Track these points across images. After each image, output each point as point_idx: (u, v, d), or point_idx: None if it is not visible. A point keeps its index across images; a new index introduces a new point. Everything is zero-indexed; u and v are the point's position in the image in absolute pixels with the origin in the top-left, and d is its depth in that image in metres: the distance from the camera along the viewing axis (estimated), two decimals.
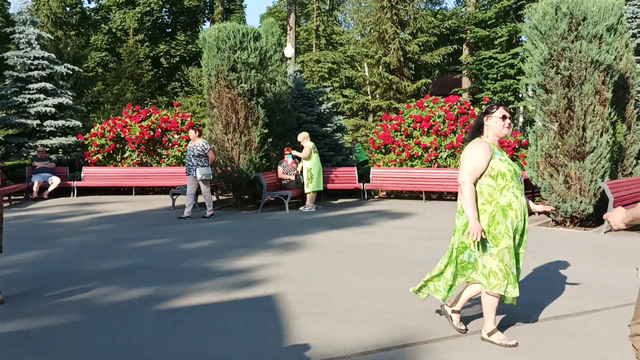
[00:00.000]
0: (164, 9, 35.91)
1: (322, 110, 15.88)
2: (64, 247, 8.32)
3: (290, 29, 29.18)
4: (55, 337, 4.47)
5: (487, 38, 26.18)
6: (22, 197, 14.78)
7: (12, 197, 14.37)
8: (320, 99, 16.42)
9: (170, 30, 36.94)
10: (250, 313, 5.12)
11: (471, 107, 14.89)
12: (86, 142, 16.06)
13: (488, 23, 26.33)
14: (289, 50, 21.44)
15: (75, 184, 15.13)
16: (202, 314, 5.11)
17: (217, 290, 5.86)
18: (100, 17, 35.76)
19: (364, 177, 14.76)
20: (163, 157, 16.11)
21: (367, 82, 28.09)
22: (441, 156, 14.32)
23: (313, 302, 5.44)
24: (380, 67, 26.00)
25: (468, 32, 27.97)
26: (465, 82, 28.87)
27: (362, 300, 5.50)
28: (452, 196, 14.45)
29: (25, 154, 16.03)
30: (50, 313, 5.11)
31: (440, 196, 14.67)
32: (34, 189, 14.35)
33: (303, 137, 12.72)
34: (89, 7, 36.20)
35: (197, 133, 11.33)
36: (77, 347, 4.26)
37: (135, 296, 5.68)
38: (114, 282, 6.23)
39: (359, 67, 31.26)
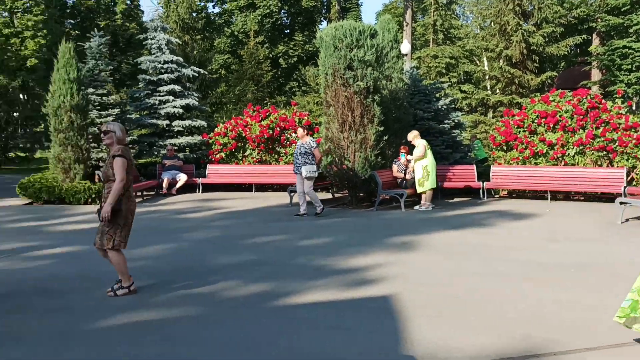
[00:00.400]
0: (282, 11, 36.90)
1: (440, 107, 15.49)
2: (188, 241, 8.75)
3: (406, 25, 28.81)
4: (178, 328, 4.69)
5: (620, 26, 24.22)
6: (153, 193, 15.79)
7: (144, 193, 15.41)
8: (438, 95, 16.03)
9: (288, 31, 37.90)
10: (365, 313, 5.06)
11: (603, 100, 13.84)
12: (210, 141, 16.85)
13: (622, 10, 24.36)
14: (405, 47, 21.17)
15: (200, 180, 15.93)
16: (318, 311, 5.13)
17: (332, 288, 5.87)
18: (223, 20, 37.44)
19: (484, 175, 14.19)
20: (281, 155, 16.52)
21: (487, 77, 27.08)
22: (568, 154, 13.44)
23: (429, 304, 5.29)
24: (502, 60, 24.94)
25: (599, 20, 26.07)
26: (595, 74, 26.93)
27: (481, 304, 5.25)
28: (581, 196, 13.52)
29: (155, 153, 17.13)
30: (175, 304, 5.37)
31: (567, 196, 13.78)
32: (164, 185, 15.29)
33: (413, 136, 12.43)
34: (213, 12, 38.02)
35: (305, 131, 11.48)
36: (198, 338, 4.44)
37: (253, 291, 5.83)
38: (234, 276, 6.44)
39: (478, 62, 30.23)
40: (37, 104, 27.08)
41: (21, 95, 34.72)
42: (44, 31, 34.78)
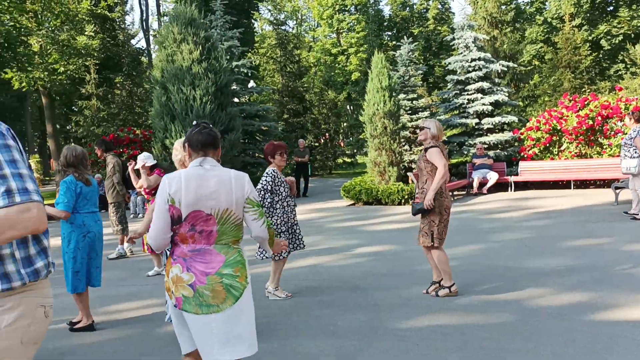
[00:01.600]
0: None
1: None
2: (498, 242, 8.39)
3: None
4: (480, 335, 4.45)
5: None
6: (464, 192, 15.72)
7: (455, 193, 15.45)
8: None
9: (612, 8, 33.84)
10: None
11: None
12: (522, 137, 16.03)
13: None
14: None
15: (512, 179, 15.28)
16: None
17: None
18: (534, 9, 35.45)
19: None
20: (604, 147, 14.77)
21: None
22: None
23: None
24: None
25: None
26: None
27: None
28: None
29: (465, 152, 17.05)
30: (477, 310, 5.13)
31: None
32: (474, 184, 15.08)
33: None
34: (523, 1, 36.32)
35: (633, 119, 9.82)
36: (501, 349, 4.13)
37: (567, 301, 5.22)
38: (545, 283, 5.89)
39: None
40: (359, 113, 29.69)
41: (348, 107, 38.62)
42: (365, 46, 38.02)
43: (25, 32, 22.30)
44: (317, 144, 28.66)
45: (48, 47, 24.38)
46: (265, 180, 5.87)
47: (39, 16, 24.55)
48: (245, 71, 19.39)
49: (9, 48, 20.66)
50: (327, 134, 28.71)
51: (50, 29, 24.88)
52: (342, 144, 32.10)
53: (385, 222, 11.38)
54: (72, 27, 24.87)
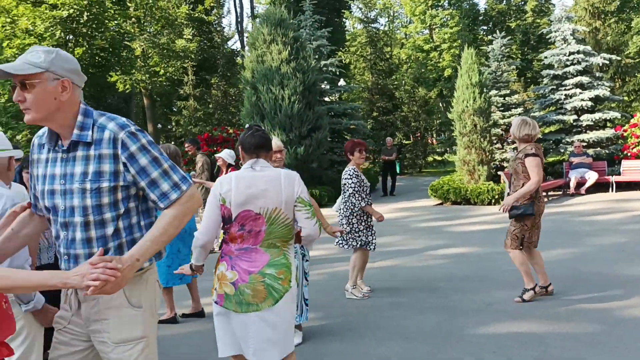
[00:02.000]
0: None
1: None
2: (594, 246, 7.93)
3: None
4: (560, 345, 4.22)
5: None
6: (560, 192, 14.96)
7: (550, 193, 14.73)
8: None
9: None
10: None
11: None
12: (625, 134, 15.03)
13: None
14: None
15: (613, 178, 14.36)
16: None
17: None
18: None
19: None
20: None
21: None
22: None
23: None
24: None
25: None
26: None
27: None
28: None
29: (562, 150, 16.22)
30: (562, 318, 4.87)
31: None
32: (571, 185, 14.30)
33: None
34: None
35: None
36: (583, 359, 3.90)
37: None
38: (638, 292, 5.49)
39: None
40: (450, 110, 29.05)
41: (440, 104, 37.87)
42: (458, 42, 37.10)
43: (129, 37, 23.63)
44: (407, 142, 28.33)
45: (149, 51, 25.72)
46: (352, 181, 5.86)
47: (141, 21, 25.94)
48: (334, 70, 19.49)
49: (114, 53, 21.97)
50: (417, 132, 28.32)
51: (151, 33, 26.22)
52: (433, 142, 31.56)
53: (473, 222, 11.06)
54: (171, 31, 26.07)
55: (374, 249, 6.08)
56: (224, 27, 36.82)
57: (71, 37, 20.72)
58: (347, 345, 4.54)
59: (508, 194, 5.56)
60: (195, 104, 28.40)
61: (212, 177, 9.90)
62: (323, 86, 18.18)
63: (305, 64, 15.74)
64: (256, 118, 15.56)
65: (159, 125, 33.13)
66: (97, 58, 21.76)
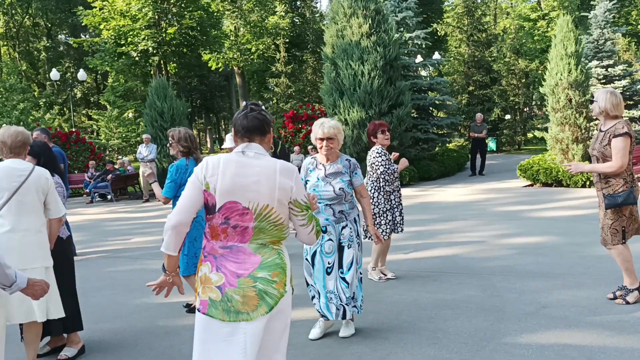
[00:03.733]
0: None
1: None
2: None
3: None
4: None
5: None
6: None
7: None
8: None
9: None
10: None
11: None
12: None
13: None
14: None
15: None
16: None
17: None
18: None
19: None
20: None
21: None
22: None
23: None
24: None
25: None
26: None
27: None
28: None
29: None
30: (625, 329, 4.14)
31: None
32: None
33: None
34: None
35: None
36: None
37: None
38: None
39: None
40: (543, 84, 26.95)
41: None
42: (570, 7, 34.35)
43: (217, 15, 23.95)
44: (504, 118, 26.78)
45: (240, 29, 25.99)
46: (381, 159, 5.58)
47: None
48: (420, 43, 18.59)
49: (202, 31, 22.36)
50: (517, 107, 26.64)
51: (243, 11, 26.45)
52: (540, 112, 29.46)
53: (560, 207, 10.07)
54: (261, 7, 26.13)
55: (402, 230, 5.86)
56: (315, 2, 36.52)
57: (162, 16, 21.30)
58: (367, 348, 4.10)
59: (595, 182, 4.79)
60: (286, 81, 28.46)
61: (275, 156, 9.66)
62: (407, 59, 17.37)
63: (387, 37, 15.07)
64: (335, 95, 15.17)
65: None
66: (186, 37, 22.24)
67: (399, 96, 15.03)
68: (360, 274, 4.43)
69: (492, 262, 6.43)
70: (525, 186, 13.35)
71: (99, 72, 36.47)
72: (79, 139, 19.77)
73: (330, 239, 4.29)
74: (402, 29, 17.85)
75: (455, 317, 4.64)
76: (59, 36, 45.15)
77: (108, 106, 28.58)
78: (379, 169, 5.53)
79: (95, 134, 33.62)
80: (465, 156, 18.92)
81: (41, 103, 34.19)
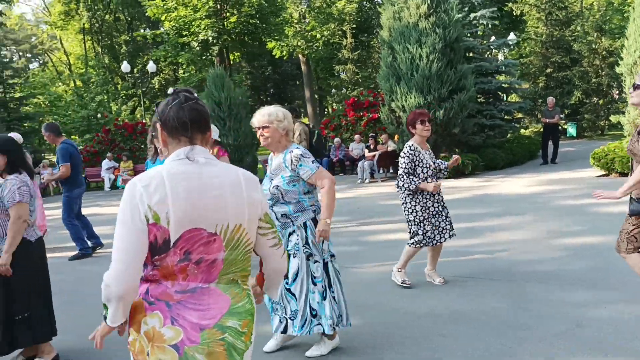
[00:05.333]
0: None
1: None
2: None
3: None
4: None
5: None
6: None
7: None
8: None
9: None
10: None
11: None
12: None
13: None
14: None
15: None
16: None
17: None
18: None
19: None
20: None
21: None
22: None
23: None
24: None
25: None
26: None
27: None
28: None
29: None
30: None
31: None
32: None
33: None
34: None
35: None
36: None
37: None
38: None
39: None
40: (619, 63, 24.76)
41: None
42: None
43: (280, 2, 23.64)
44: (586, 101, 24.92)
45: (305, 15, 25.58)
46: (403, 161, 4.94)
47: None
48: (486, 22, 17.43)
49: (262, 19, 22.13)
50: (600, 89, 24.69)
51: None
52: (616, 95, 27.28)
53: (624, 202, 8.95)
54: None
55: (450, 236, 5.14)
56: None
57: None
58: None
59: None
60: (353, 67, 27.83)
61: (311, 148, 9.17)
62: (471, 40, 16.33)
63: (447, 17, 14.17)
64: (392, 80, 14.48)
65: (320, 90, 33.20)
66: (247, 25, 22.10)
67: (461, 80, 14.12)
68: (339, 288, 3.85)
69: (535, 266, 5.66)
70: (599, 176, 12.15)
71: (180, 64, 37.07)
72: (145, 129, 20.11)
73: None
74: (466, 9, 16.79)
75: (468, 335, 4.00)
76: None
77: None
78: (400, 168, 4.91)
79: None
80: (538, 143, 17.67)
81: (123, 95, 35.42)
